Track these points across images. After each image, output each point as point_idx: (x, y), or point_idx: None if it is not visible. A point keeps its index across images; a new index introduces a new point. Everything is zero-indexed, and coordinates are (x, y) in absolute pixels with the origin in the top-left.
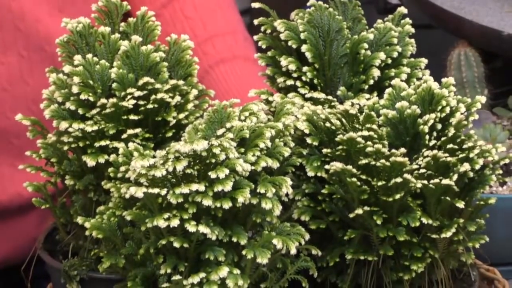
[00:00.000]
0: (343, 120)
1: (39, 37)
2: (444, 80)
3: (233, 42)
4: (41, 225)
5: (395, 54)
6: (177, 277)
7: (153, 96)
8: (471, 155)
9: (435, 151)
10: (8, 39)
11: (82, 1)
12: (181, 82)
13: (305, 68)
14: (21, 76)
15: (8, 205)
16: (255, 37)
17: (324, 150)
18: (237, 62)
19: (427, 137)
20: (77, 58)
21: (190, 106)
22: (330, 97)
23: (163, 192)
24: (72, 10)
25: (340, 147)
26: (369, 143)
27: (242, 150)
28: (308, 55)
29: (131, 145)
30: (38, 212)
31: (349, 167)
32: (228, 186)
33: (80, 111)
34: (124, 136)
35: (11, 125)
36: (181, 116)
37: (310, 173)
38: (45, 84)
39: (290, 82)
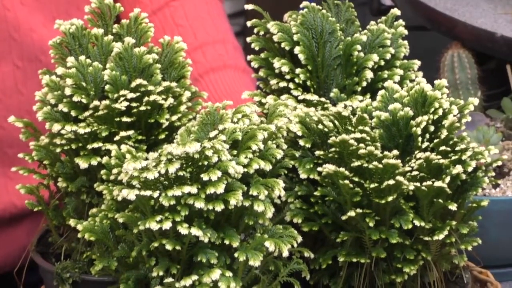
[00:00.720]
0: (336, 122)
1: (34, 47)
2: (437, 82)
3: (223, 51)
4: (32, 233)
5: (388, 56)
6: (169, 279)
7: (146, 98)
8: (463, 157)
9: (427, 153)
10: (2, 49)
11: (76, 10)
12: (174, 84)
13: (298, 70)
14: (16, 86)
15: (1, 214)
16: (248, 39)
17: (317, 152)
18: (227, 71)
19: (419, 139)
20: (70, 60)
21: (183, 108)
22: (323, 99)
23: (156, 194)
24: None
25: (333, 149)
26: (361, 145)
27: (235, 152)
28: (301, 57)
29: (124, 147)
30: (30, 220)
31: (342, 169)
32: (220, 188)
33: (73, 113)
34: (116, 138)
35: (5, 135)
36: (174, 118)
37: (303, 175)
38: None
39: (283, 84)
